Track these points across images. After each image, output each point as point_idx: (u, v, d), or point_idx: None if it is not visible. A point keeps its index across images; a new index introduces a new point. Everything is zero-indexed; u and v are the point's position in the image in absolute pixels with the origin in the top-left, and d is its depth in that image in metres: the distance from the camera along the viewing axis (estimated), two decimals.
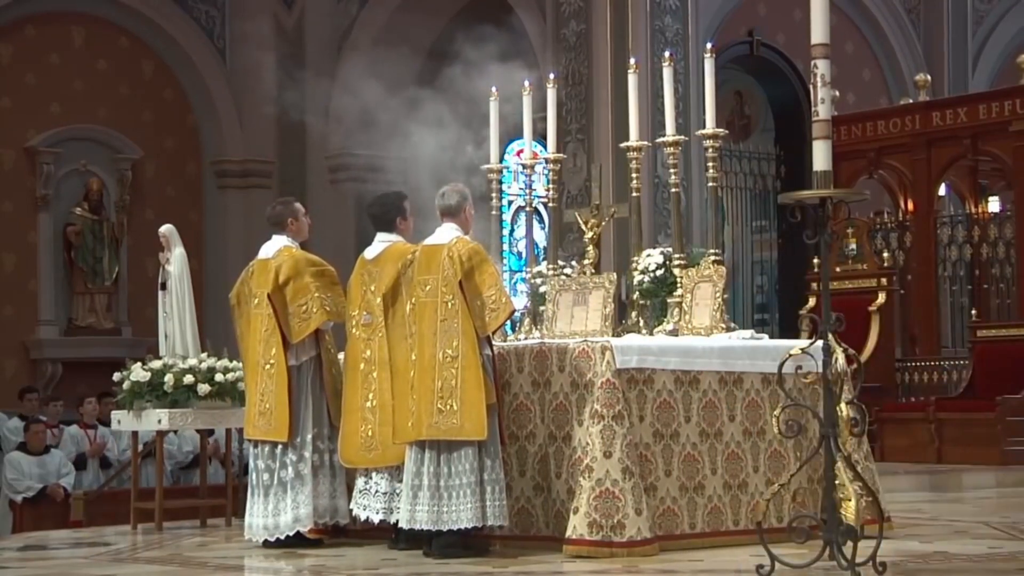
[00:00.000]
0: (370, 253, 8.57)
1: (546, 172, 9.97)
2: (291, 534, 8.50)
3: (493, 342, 8.10)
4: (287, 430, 8.53)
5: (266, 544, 8.56)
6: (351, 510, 8.50)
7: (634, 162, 9.30)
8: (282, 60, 19.72)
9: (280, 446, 8.56)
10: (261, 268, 8.82)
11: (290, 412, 8.53)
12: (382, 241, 8.56)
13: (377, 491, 8.35)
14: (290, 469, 8.55)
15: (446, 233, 8.13)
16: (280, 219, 8.99)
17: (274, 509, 8.54)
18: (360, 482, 8.44)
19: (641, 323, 8.87)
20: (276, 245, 8.87)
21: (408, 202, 8.71)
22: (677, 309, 8.73)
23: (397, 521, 8.13)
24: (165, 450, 12.79)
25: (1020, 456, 13.41)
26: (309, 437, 8.59)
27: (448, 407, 7.78)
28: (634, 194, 9.31)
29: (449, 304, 7.90)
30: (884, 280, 15.61)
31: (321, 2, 20.02)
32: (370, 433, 8.36)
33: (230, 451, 11.21)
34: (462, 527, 7.77)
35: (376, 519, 8.32)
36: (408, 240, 8.57)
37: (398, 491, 8.20)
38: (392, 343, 8.22)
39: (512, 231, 20.88)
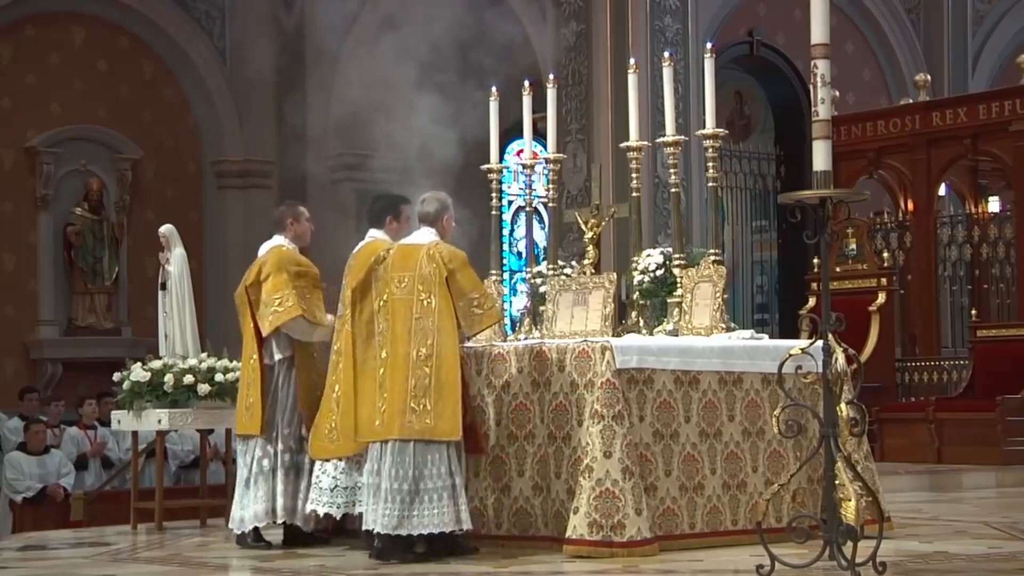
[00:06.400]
0: (355, 249, 8.56)
1: (546, 172, 9.96)
2: (256, 528, 8.58)
3: (494, 342, 8.08)
4: (260, 425, 8.59)
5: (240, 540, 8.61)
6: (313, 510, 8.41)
7: (634, 162, 9.30)
8: (282, 60, 19.70)
9: (255, 440, 8.60)
10: (253, 265, 8.87)
11: (262, 408, 8.56)
12: (367, 238, 8.54)
13: (336, 487, 8.28)
14: (257, 463, 8.60)
15: (424, 235, 8.12)
16: (280, 219, 9.04)
17: (252, 499, 8.59)
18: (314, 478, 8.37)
19: (641, 323, 8.87)
20: (271, 244, 8.91)
21: (407, 207, 8.67)
22: (677, 309, 8.73)
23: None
24: (168, 449, 12.81)
25: (1020, 456, 13.39)
26: (276, 436, 8.62)
27: (421, 406, 7.77)
28: (634, 194, 9.31)
29: (425, 302, 7.87)
30: (884, 280, 15.57)
31: (321, 2, 19.99)
32: (333, 424, 8.32)
33: (230, 451, 11.20)
34: (432, 531, 7.68)
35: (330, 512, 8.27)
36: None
37: (359, 485, 8.13)
38: (356, 339, 8.16)
39: (512, 231, 20.87)
